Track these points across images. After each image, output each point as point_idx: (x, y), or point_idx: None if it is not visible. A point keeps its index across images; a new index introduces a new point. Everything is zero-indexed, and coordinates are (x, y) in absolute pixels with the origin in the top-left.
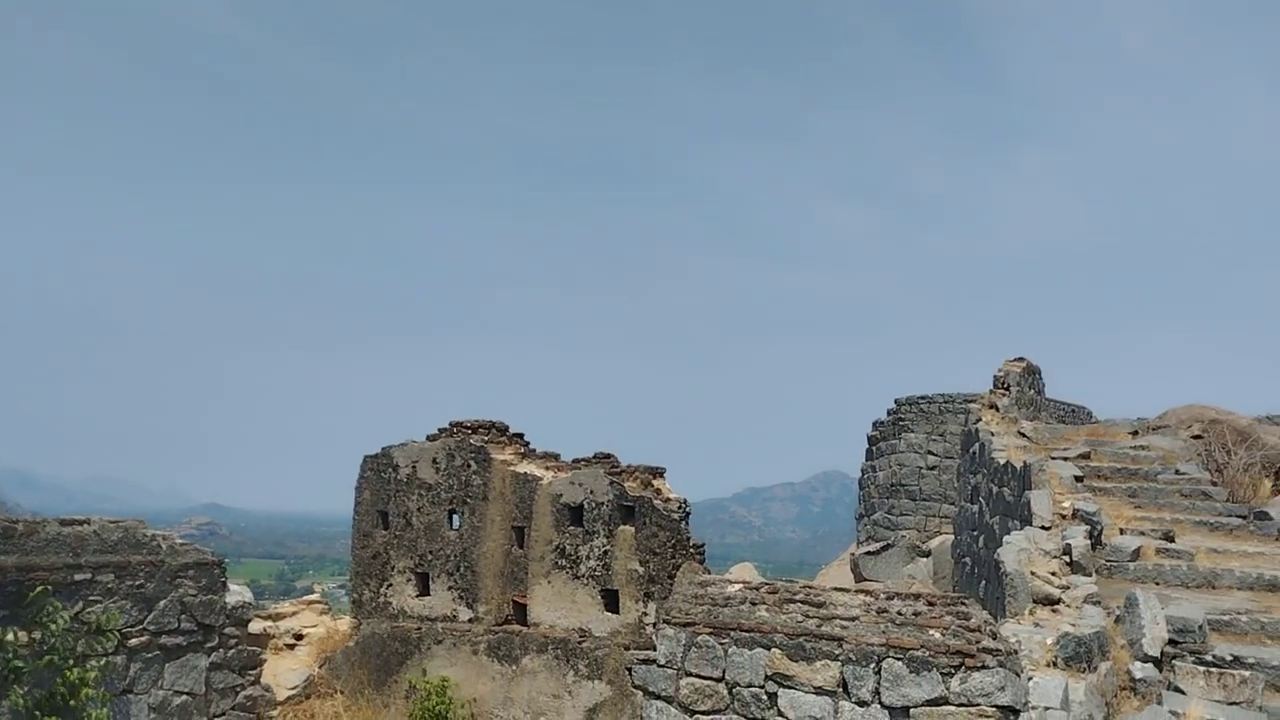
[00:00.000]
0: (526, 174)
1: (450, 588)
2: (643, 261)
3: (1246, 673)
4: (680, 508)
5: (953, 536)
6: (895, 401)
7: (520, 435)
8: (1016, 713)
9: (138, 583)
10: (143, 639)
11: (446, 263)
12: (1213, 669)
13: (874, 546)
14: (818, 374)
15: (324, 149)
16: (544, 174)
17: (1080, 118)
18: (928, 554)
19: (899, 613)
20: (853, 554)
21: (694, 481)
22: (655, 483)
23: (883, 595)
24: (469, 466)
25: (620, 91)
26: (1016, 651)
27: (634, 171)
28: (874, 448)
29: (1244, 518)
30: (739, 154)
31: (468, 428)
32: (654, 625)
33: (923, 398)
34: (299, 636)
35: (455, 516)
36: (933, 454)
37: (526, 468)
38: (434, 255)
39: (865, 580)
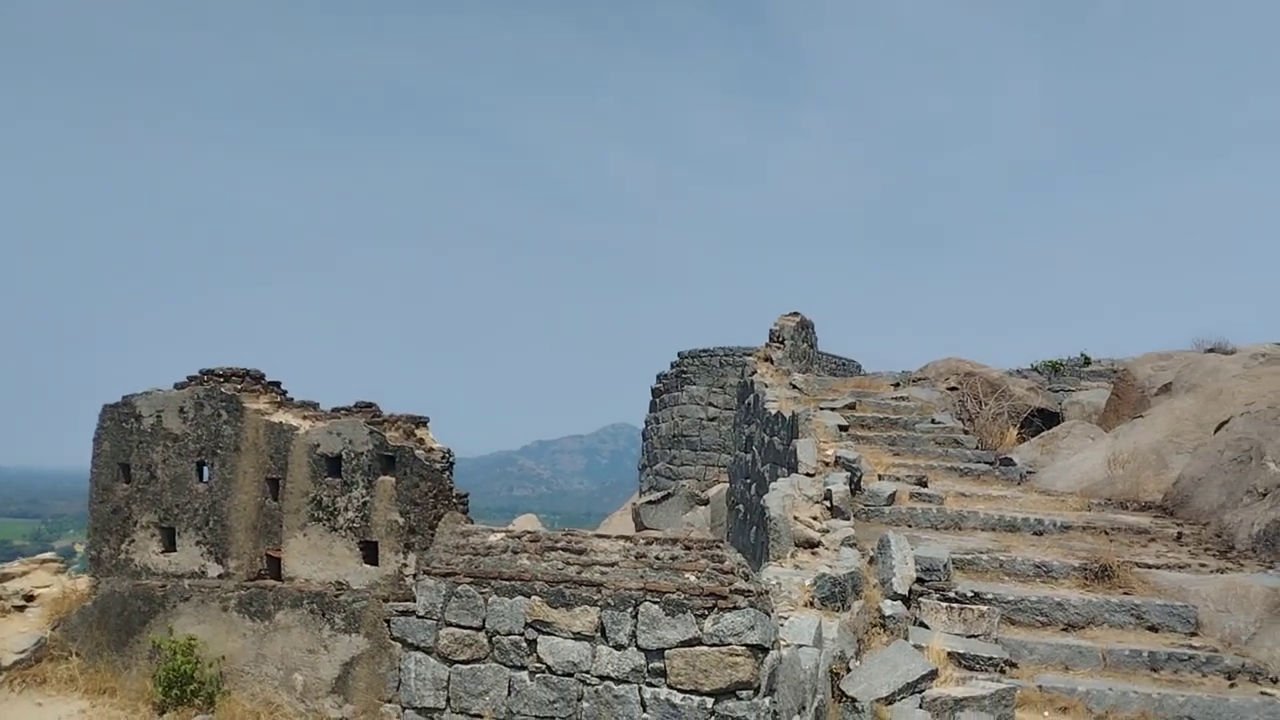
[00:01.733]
0: (305, 116)
1: (198, 543)
2: (431, 209)
3: (985, 607)
4: (444, 458)
5: (729, 485)
6: (678, 354)
7: (277, 384)
8: (765, 650)
9: None
10: None
11: (218, 207)
12: (955, 605)
13: (655, 496)
14: (607, 326)
15: (82, 82)
16: (325, 117)
17: (862, 85)
18: (706, 502)
19: (657, 557)
20: (635, 504)
21: (482, 434)
22: (418, 432)
23: (642, 541)
24: (220, 416)
25: (410, 35)
26: (767, 592)
27: (424, 117)
28: (657, 399)
29: (991, 464)
30: (532, 103)
31: (220, 375)
32: (414, 576)
33: (704, 351)
34: (30, 598)
35: (205, 468)
36: (713, 405)
37: (282, 417)
38: (204, 198)
39: (646, 529)
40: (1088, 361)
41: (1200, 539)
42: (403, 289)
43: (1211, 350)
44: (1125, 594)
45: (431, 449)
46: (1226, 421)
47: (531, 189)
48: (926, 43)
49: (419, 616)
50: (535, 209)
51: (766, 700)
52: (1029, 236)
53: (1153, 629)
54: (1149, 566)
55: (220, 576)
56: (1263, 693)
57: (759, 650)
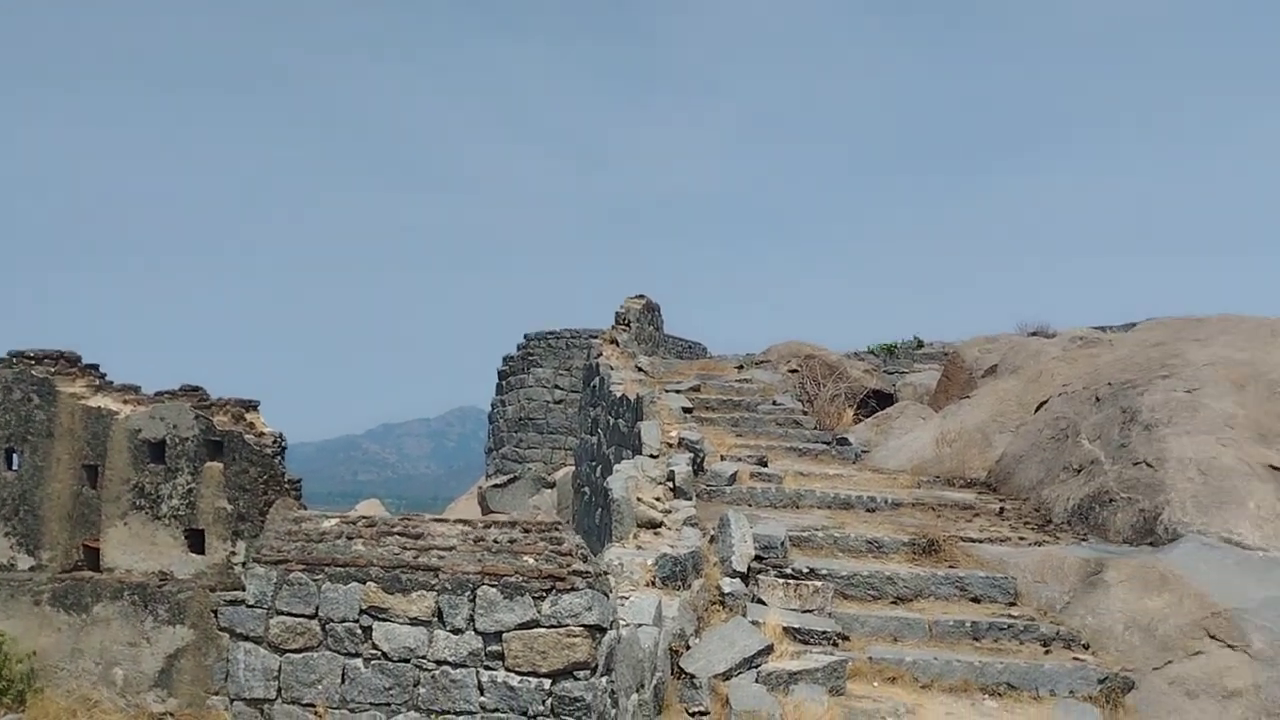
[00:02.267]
0: (131, 79)
1: (7, 534)
2: (270, 185)
3: (819, 583)
4: (275, 442)
5: (575, 467)
6: (525, 336)
7: (95, 367)
8: (604, 631)
9: None
10: None
11: (28, 180)
12: (791, 581)
13: (501, 479)
14: (453, 308)
15: None
16: (159, 81)
17: (713, 70)
18: (553, 485)
19: (495, 541)
20: (481, 487)
21: (326, 418)
22: (249, 416)
23: (480, 524)
24: (30, 400)
25: None
26: (606, 573)
27: (261, 86)
28: (504, 382)
29: (828, 443)
30: (371, 73)
31: (31, 358)
32: (244, 565)
33: (551, 333)
34: None
35: (14, 456)
36: (560, 388)
37: (100, 401)
38: (17, 168)
39: (492, 512)
40: (920, 344)
41: (1021, 513)
42: (236, 270)
43: (1034, 334)
44: (951, 567)
45: (262, 433)
46: (1046, 401)
47: (371, 163)
48: (777, 29)
49: (248, 606)
50: (375, 184)
51: (604, 680)
52: (868, 223)
53: (976, 600)
54: (973, 540)
55: (32, 569)
56: (1075, 658)
57: (597, 631)
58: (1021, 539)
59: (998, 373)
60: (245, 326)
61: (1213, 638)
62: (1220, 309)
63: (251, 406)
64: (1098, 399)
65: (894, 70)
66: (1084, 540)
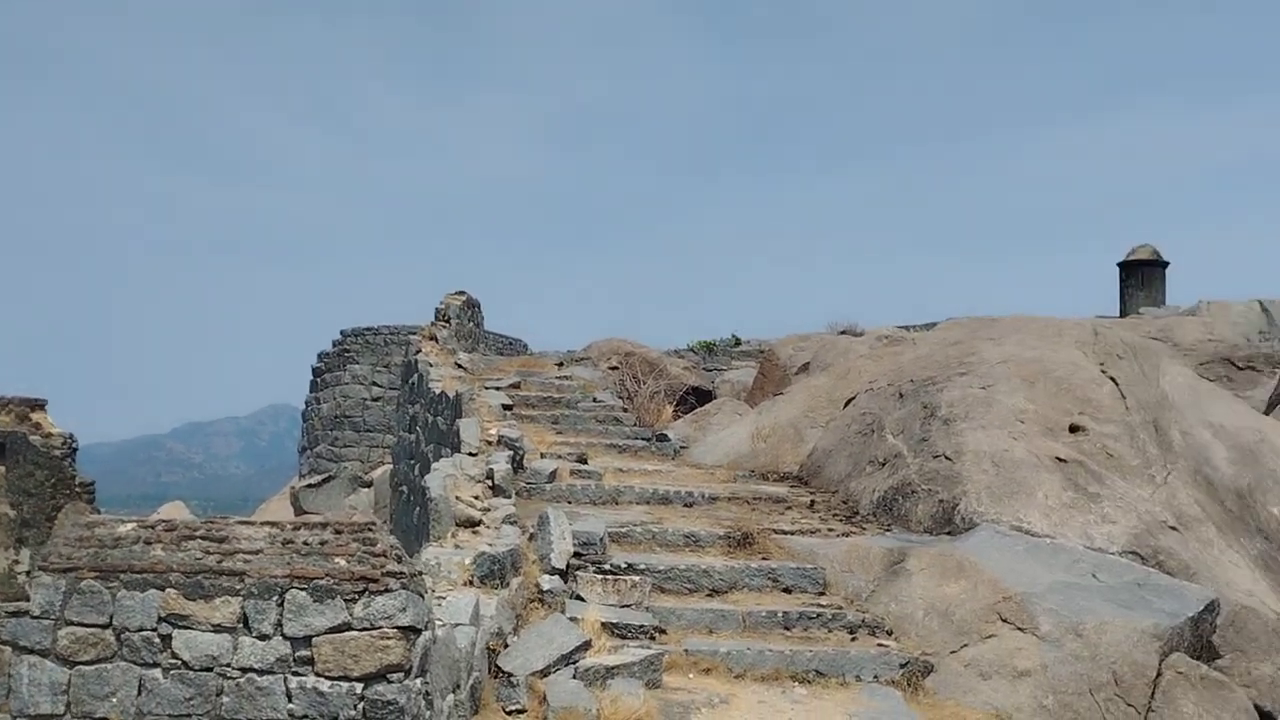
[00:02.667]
0: None
1: None
2: (61, 172)
3: (637, 577)
4: (65, 444)
5: (393, 466)
6: (341, 332)
7: None
8: (418, 631)
9: None
10: None
11: None
12: (609, 576)
13: (316, 479)
14: (264, 302)
15: None
16: None
17: (532, 64)
18: (370, 484)
19: (305, 543)
20: (294, 487)
21: (126, 417)
22: (34, 416)
23: (289, 526)
24: None
25: None
26: (421, 573)
27: (41, 67)
28: (319, 379)
29: (648, 440)
30: (175, 55)
31: None
32: (29, 573)
33: (368, 329)
34: None
35: None
36: (377, 385)
37: None
38: None
39: (306, 513)
40: (738, 342)
41: (830, 506)
42: (14, 260)
43: (843, 333)
44: (764, 559)
45: (50, 434)
46: (854, 398)
47: (170, 151)
48: (596, 23)
49: (34, 617)
50: (174, 171)
51: (418, 681)
52: (686, 221)
53: (787, 591)
54: (785, 533)
55: None
56: (879, 644)
57: (411, 632)
58: (830, 530)
59: (810, 370)
60: (30, 320)
61: (1005, 621)
62: (1013, 309)
63: (38, 405)
64: (901, 395)
65: (713, 70)
66: (888, 531)
